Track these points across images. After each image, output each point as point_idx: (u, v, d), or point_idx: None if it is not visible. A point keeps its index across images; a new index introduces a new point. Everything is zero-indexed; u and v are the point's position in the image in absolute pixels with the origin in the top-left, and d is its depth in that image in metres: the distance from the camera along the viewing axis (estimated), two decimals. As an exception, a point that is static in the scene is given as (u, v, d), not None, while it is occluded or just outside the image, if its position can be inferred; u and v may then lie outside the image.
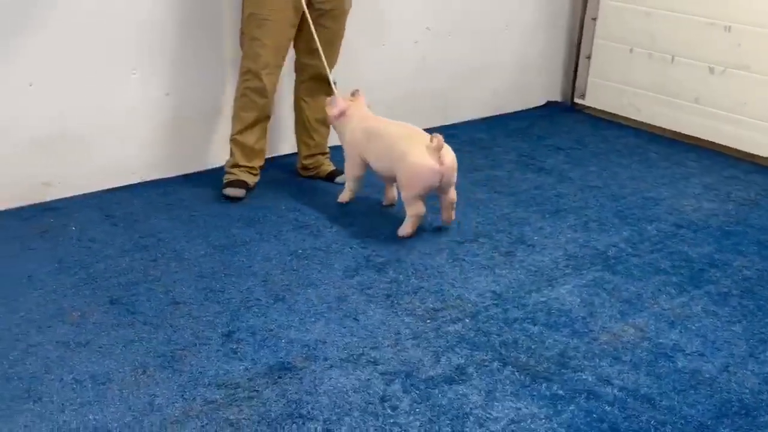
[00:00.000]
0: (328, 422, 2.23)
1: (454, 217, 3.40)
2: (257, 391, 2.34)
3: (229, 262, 3.07)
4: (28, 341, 2.55)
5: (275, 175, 3.90)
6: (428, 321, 2.73)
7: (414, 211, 3.28)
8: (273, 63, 3.51)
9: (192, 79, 3.80)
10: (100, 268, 3.02)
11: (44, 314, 2.71)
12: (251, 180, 3.65)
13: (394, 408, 2.30)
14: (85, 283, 2.91)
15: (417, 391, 2.36)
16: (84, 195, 3.63)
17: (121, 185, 3.71)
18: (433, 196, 3.33)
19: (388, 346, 2.58)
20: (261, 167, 3.70)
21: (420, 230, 3.36)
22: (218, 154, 3.94)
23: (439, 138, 3.18)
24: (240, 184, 3.60)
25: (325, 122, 3.75)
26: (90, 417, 2.22)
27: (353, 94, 3.58)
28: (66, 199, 3.59)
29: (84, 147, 3.59)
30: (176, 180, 3.81)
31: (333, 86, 3.57)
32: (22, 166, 3.48)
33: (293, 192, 3.73)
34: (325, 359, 2.50)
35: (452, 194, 3.33)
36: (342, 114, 3.52)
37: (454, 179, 3.29)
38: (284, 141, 4.17)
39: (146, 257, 3.09)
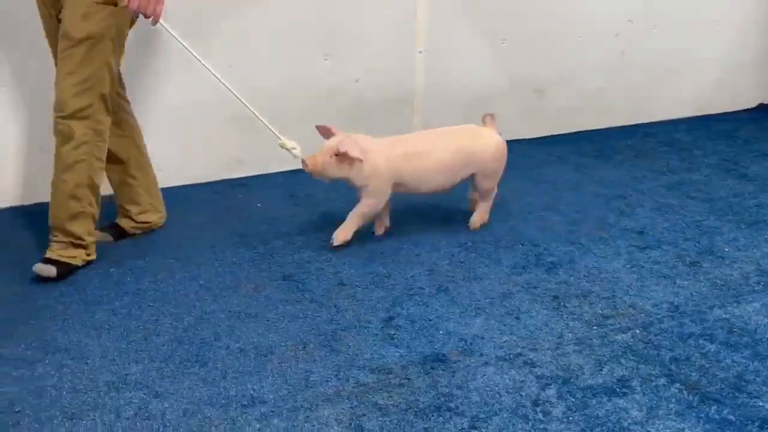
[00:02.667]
0: (475, 419, 2.18)
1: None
2: (409, 379, 2.34)
3: (397, 249, 3.09)
4: (203, 308, 2.70)
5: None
6: (595, 327, 2.61)
7: (495, 192, 3.26)
8: None
9: (380, 67, 3.86)
10: (278, 244, 3.14)
11: (221, 284, 2.85)
12: None
13: (546, 413, 2.21)
14: (263, 257, 3.04)
15: (573, 399, 2.26)
16: (272, 174, 3.79)
17: (307, 166, 3.83)
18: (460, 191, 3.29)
19: (548, 348, 2.49)
20: None
21: (598, 231, 3.22)
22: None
23: (491, 114, 3.20)
24: None
25: None
26: (249, 386, 2.31)
27: (329, 131, 3.05)
28: (255, 176, 3.77)
29: (274, 127, 3.74)
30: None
31: (291, 152, 3.03)
32: (220, 143, 3.69)
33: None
34: (481, 355, 2.45)
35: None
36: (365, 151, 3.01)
37: None
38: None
39: (321, 238, 3.18)
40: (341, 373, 2.37)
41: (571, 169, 3.98)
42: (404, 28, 3.88)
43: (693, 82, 4.74)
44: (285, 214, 3.40)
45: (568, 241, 3.18)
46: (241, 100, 2.94)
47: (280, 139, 2.99)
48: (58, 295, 2.77)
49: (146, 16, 2.70)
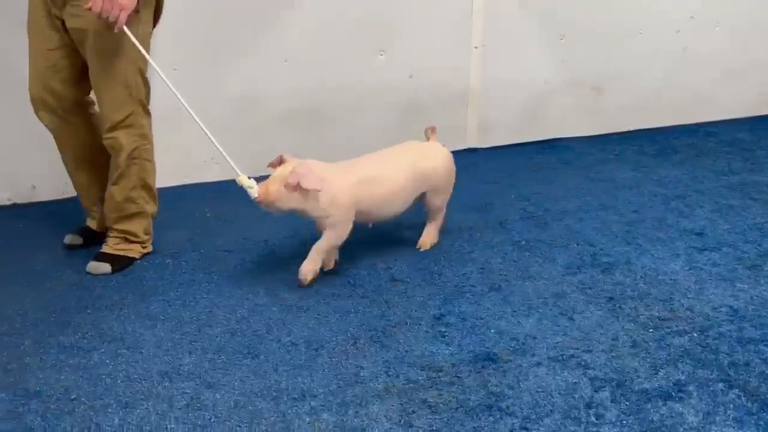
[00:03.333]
0: (527, 420, 2.15)
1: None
2: (459, 377, 2.32)
3: (450, 246, 3.07)
4: (255, 301, 2.72)
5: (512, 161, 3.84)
6: (651, 330, 2.55)
7: (444, 210, 3.07)
8: None
9: (436, 63, 3.84)
10: (332, 239, 3.14)
11: (273, 277, 2.87)
12: None
13: (599, 416, 2.17)
14: (315, 252, 3.04)
15: (627, 403, 2.21)
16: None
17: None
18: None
19: (602, 350, 2.44)
20: None
21: (656, 232, 3.15)
22: (455, 138, 3.95)
23: (433, 127, 3.06)
24: None
25: None
26: (299, 379, 2.32)
27: (282, 160, 2.76)
28: (308, 171, 3.77)
29: (327, 123, 3.76)
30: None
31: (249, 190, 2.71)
32: (270, 138, 3.71)
33: (521, 179, 3.65)
34: (533, 355, 2.42)
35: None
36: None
37: None
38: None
39: (372, 233, 3.16)
40: (391, 370, 2.36)
41: (629, 168, 3.90)
42: (461, 23, 3.85)
43: (756, 81, 4.61)
44: (338, 209, 3.40)
45: (624, 241, 3.12)
46: (196, 120, 2.74)
47: (238, 175, 2.67)
48: (114, 285, 2.81)
49: (109, 21, 2.58)
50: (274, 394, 2.25)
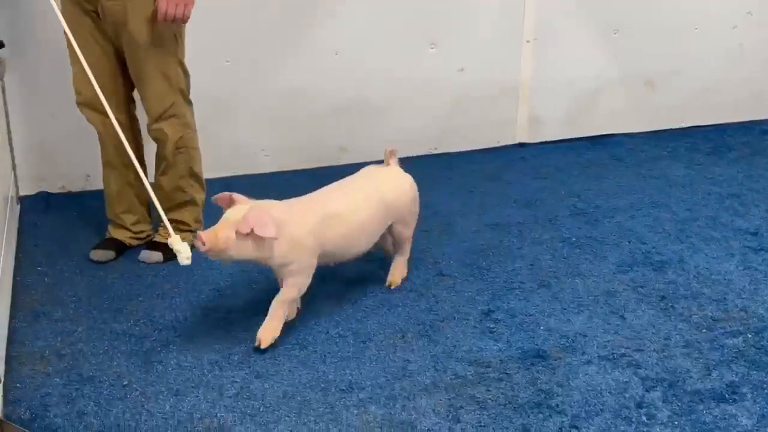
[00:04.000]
0: (576, 418, 2.13)
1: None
2: (507, 374, 2.30)
3: (499, 242, 3.05)
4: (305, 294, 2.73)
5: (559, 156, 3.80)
6: (704, 330, 2.50)
7: (411, 242, 2.80)
8: None
9: (487, 57, 3.81)
10: (378, 232, 3.14)
11: (320, 269, 2.86)
12: None
13: (650, 417, 2.14)
14: (363, 245, 3.04)
15: (679, 403, 2.18)
16: (373, 162, 3.79)
17: (409, 155, 3.81)
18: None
19: (653, 350, 2.41)
20: None
21: (710, 231, 3.10)
22: (504, 132, 3.92)
23: (393, 150, 2.77)
24: None
25: None
26: (347, 371, 2.32)
27: (228, 199, 2.41)
28: (357, 164, 3.76)
29: (379, 115, 3.76)
30: (459, 155, 3.85)
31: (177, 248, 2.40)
32: (322, 130, 3.73)
33: (571, 176, 3.60)
34: (583, 353, 2.39)
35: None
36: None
37: None
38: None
39: (421, 227, 3.13)
40: (439, 364, 2.35)
41: (682, 166, 3.83)
42: (512, 17, 3.82)
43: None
44: (386, 203, 3.40)
45: (677, 239, 3.07)
46: (142, 175, 2.51)
47: (171, 236, 2.40)
48: (166, 273, 2.85)
49: (175, 19, 2.61)
50: (322, 385, 2.26)
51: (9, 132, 3.25)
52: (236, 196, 2.39)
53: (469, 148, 3.91)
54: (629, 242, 3.05)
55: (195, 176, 2.96)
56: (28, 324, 2.55)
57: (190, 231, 2.97)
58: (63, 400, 2.20)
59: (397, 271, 2.78)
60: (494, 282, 2.78)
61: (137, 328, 2.53)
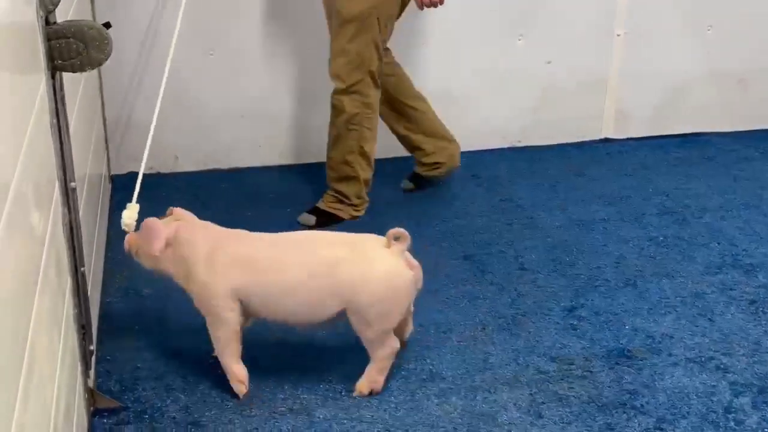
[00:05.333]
0: (662, 420, 2.09)
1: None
2: (591, 372, 2.27)
3: (583, 238, 3.00)
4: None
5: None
6: (797, 337, 2.43)
7: (389, 348, 2.16)
8: None
9: (575, 50, 3.75)
10: (459, 224, 3.13)
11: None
12: None
13: (738, 422, 2.08)
14: (443, 236, 3.04)
15: (770, 411, 2.12)
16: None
17: (491, 148, 3.79)
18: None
19: (743, 354, 2.34)
20: None
21: (805, 236, 2.99)
22: (590, 127, 3.86)
23: (399, 231, 2.14)
24: None
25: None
26: (428, 361, 2.33)
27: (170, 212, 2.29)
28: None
29: (464, 106, 3.72)
30: (543, 149, 3.80)
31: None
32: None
33: (660, 173, 3.52)
34: (670, 355, 2.34)
35: (410, 318, 2.32)
36: (168, 243, 2.16)
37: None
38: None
39: (503, 220, 3.14)
40: (520, 359, 2.34)
41: (775, 167, 3.71)
42: (603, 9, 3.74)
43: None
44: (466, 194, 3.38)
45: (772, 242, 2.98)
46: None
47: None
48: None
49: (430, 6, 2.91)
50: (402, 373, 2.27)
51: (103, 110, 3.34)
52: (176, 210, 2.24)
53: (553, 142, 3.85)
54: (718, 243, 2.96)
55: (364, 155, 3.09)
56: (119, 299, 2.63)
57: (351, 205, 3.10)
58: (152, 374, 2.26)
59: (366, 380, 2.18)
60: (578, 278, 2.74)
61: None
